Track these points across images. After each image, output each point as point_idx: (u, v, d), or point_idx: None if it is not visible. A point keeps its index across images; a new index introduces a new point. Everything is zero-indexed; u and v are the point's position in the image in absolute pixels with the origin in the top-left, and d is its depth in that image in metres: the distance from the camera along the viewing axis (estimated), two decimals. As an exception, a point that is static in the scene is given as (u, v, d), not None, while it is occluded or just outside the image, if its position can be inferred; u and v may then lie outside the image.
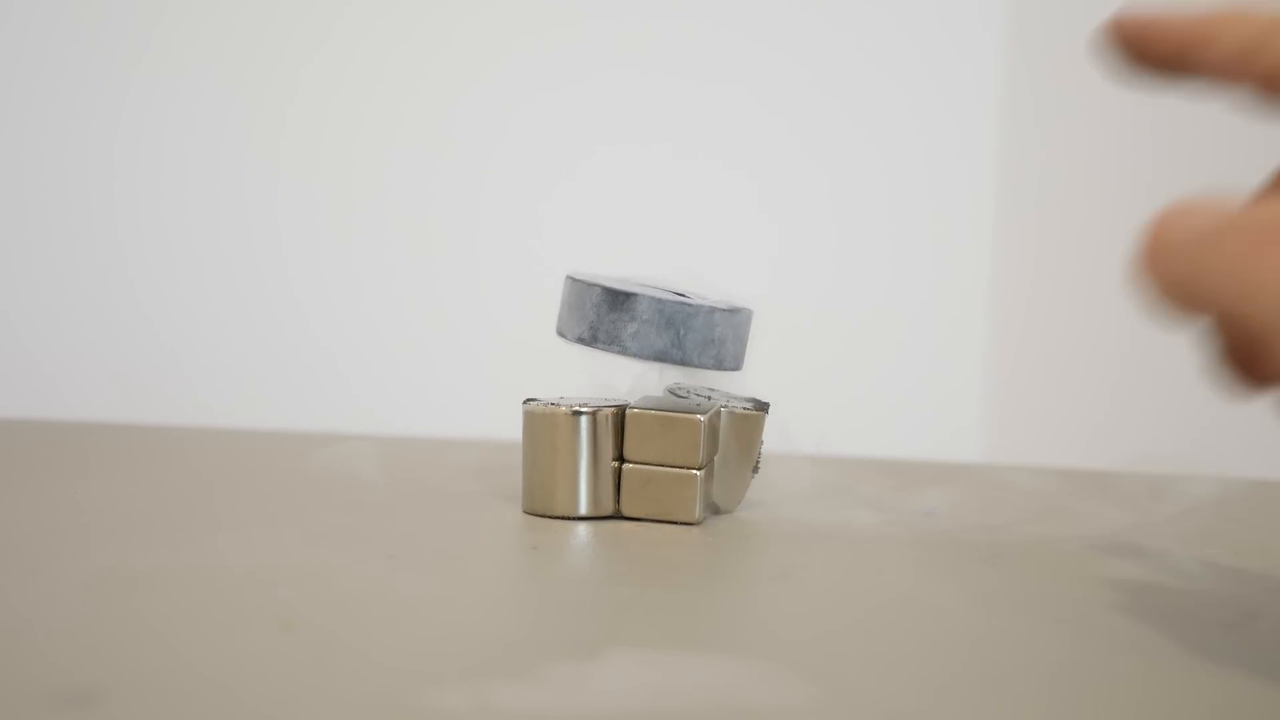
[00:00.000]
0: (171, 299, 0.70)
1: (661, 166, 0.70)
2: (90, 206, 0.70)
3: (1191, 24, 0.32)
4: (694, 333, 0.41)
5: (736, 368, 0.42)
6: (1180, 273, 0.28)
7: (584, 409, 0.40)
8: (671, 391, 0.44)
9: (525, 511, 0.42)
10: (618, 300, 0.40)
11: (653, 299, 0.40)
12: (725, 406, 0.42)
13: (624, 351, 0.40)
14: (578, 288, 0.41)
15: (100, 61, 0.70)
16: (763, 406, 0.43)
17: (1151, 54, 0.33)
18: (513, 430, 0.42)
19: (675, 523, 0.41)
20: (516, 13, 0.71)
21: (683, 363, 0.41)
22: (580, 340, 0.41)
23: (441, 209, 0.72)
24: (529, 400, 0.41)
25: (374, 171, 0.71)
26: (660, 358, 0.41)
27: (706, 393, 0.43)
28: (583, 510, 0.41)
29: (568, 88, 0.72)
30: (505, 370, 0.66)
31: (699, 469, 0.40)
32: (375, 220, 0.71)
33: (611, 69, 0.72)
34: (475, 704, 0.24)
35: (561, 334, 0.42)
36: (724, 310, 0.41)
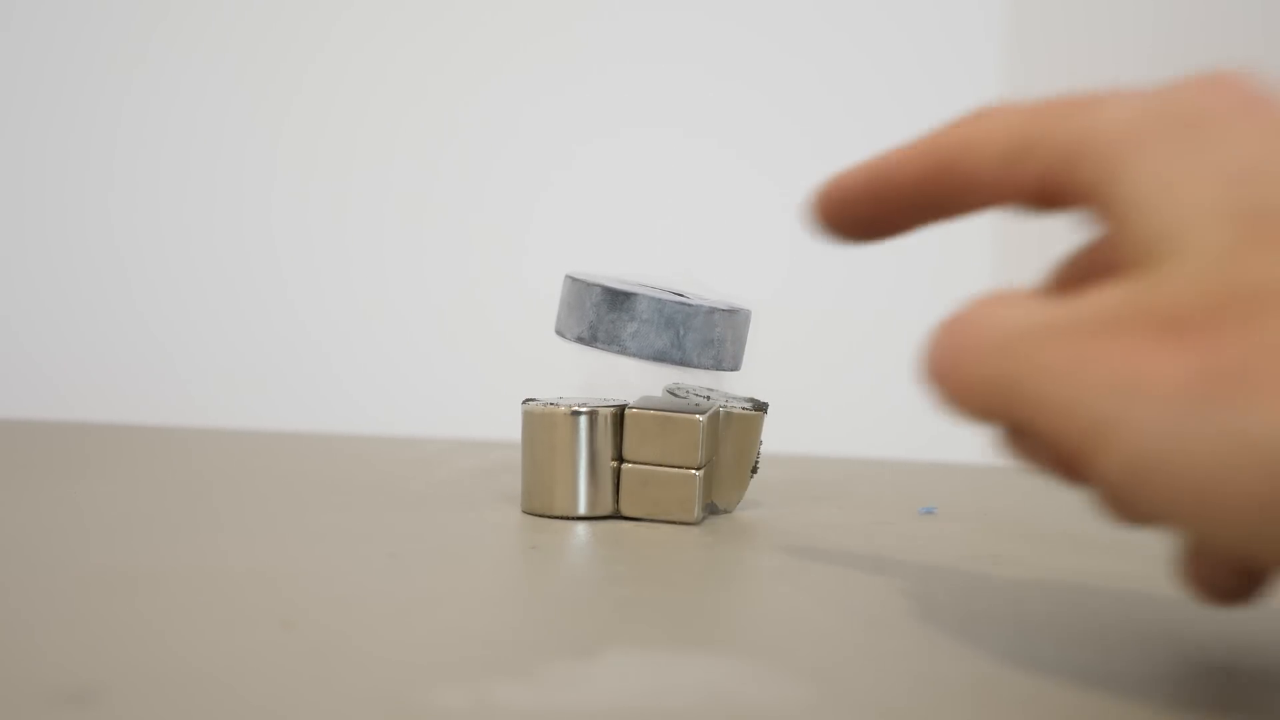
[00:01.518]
0: (170, 300, 0.70)
1: (662, 167, 0.70)
2: (90, 207, 0.70)
3: (929, 150, 0.30)
4: (693, 333, 0.41)
5: (735, 368, 0.42)
6: (985, 377, 0.26)
7: (583, 409, 0.40)
8: (670, 391, 0.44)
9: (525, 511, 0.42)
10: (617, 300, 0.40)
11: (652, 299, 0.40)
12: (724, 407, 0.42)
13: (623, 351, 0.41)
14: (577, 287, 0.41)
15: (100, 63, 0.70)
16: (762, 406, 0.43)
17: (878, 209, 0.31)
18: (512, 430, 0.42)
19: (674, 523, 0.41)
20: (516, 15, 0.71)
21: (682, 363, 0.41)
22: (579, 340, 0.41)
23: (441, 209, 0.72)
24: (528, 400, 0.42)
25: (372, 172, 0.71)
26: (660, 358, 0.41)
27: (705, 393, 0.44)
28: (582, 510, 0.41)
29: (569, 88, 0.72)
30: (504, 370, 0.66)
31: (698, 469, 0.40)
32: (375, 221, 0.71)
33: (612, 70, 0.72)
34: (475, 703, 0.24)
35: (560, 333, 0.42)
36: (723, 310, 0.41)
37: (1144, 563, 0.40)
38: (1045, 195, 0.27)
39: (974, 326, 0.26)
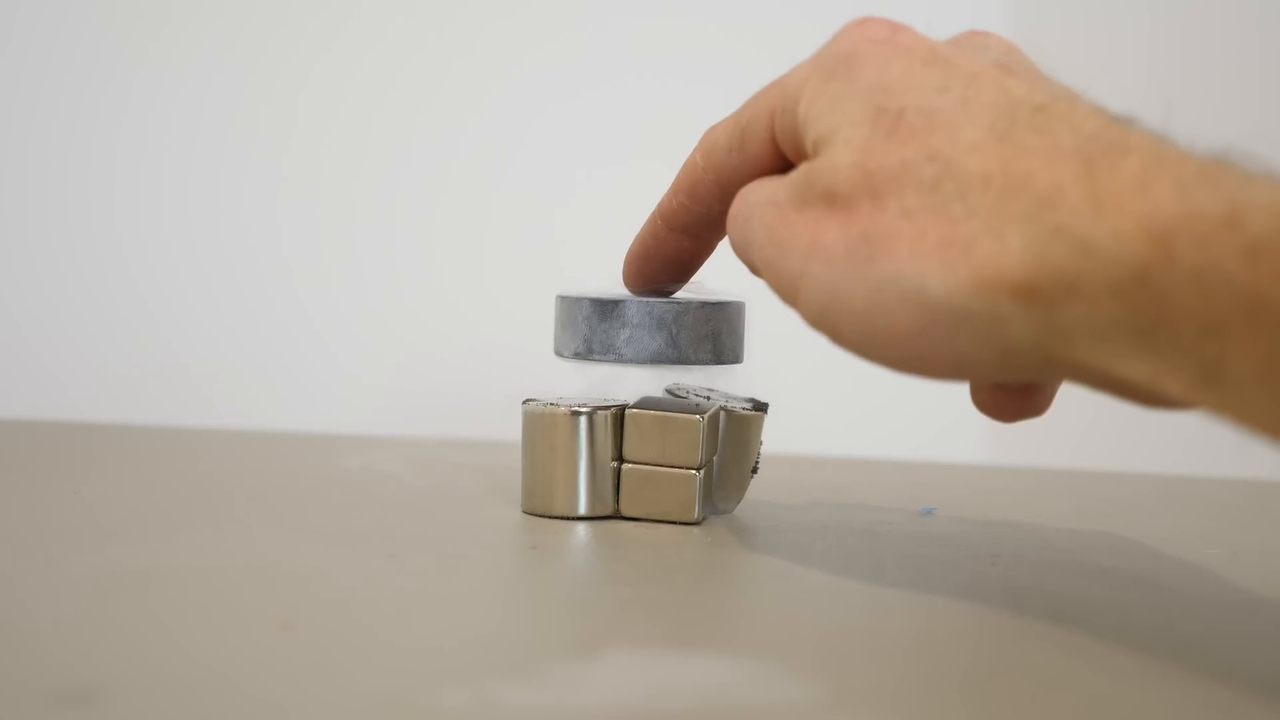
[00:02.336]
0: (174, 300, 0.70)
1: (662, 167, 0.70)
2: (90, 206, 0.70)
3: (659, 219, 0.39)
4: (687, 330, 0.41)
5: (737, 360, 0.42)
6: (737, 240, 0.34)
7: (583, 409, 0.40)
8: (670, 392, 0.44)
9: (525, 511, 0.42)
10: (607, 309, 0.41)
11: (641, 303, 0.40)
12: (724, 407, 0.42)
13: (620, 359, 0.41)
14: (567, 304, 0.42)
15: (106, 61, 0.70)
16: (761, 407, 0.43)
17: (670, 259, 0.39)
18: (512, 430, 0.42)
19: (674, 523, 0.41)
20: (522, 28, 0.71)
21: (680, 361, 0.41)
22: (577, 355, 0.41)
23: (445, 210, 0.72)
24: (528, 400, 0.41)
25: (375, 173, 0.71)
26: (657, 359, 0.41)
27: (705, 393, 0.43)
28: (582, 510, 0.41)
29: (575, 92, 0.72)
30: (505, 370, 0.66)
31: (698, 469, 0.40)
32: (374, 221, 0.71)
33: (613, 75, 0.72)
34: (475, 703, 0.24)
35: (559, 353, 0.42)
36: (714, 304, 0.41)
37: (1144, 563, 0.40)
38: (773, 161, 0.34)
39: (737, 200, 0.34)
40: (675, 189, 0.38)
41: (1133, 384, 0.26)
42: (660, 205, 0.39)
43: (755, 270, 0.33)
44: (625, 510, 0.41)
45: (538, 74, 0.72)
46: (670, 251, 0.39)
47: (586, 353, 0.41)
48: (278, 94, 0.71)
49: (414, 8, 0.71)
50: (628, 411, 0.41)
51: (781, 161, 0.34)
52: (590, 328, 0.41)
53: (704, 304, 0.41)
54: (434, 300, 0.72)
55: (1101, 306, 0.26)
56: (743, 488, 0.43)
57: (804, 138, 0.32)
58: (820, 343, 0.31)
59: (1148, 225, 0.25)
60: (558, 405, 0.41)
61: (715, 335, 0.41)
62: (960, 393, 0.35)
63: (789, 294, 0.31)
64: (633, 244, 0.40)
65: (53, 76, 0.69)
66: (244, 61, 0.70)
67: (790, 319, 0.32)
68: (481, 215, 0.72)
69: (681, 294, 0.42)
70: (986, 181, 0.27)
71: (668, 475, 0.40)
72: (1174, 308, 0.25)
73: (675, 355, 0.41)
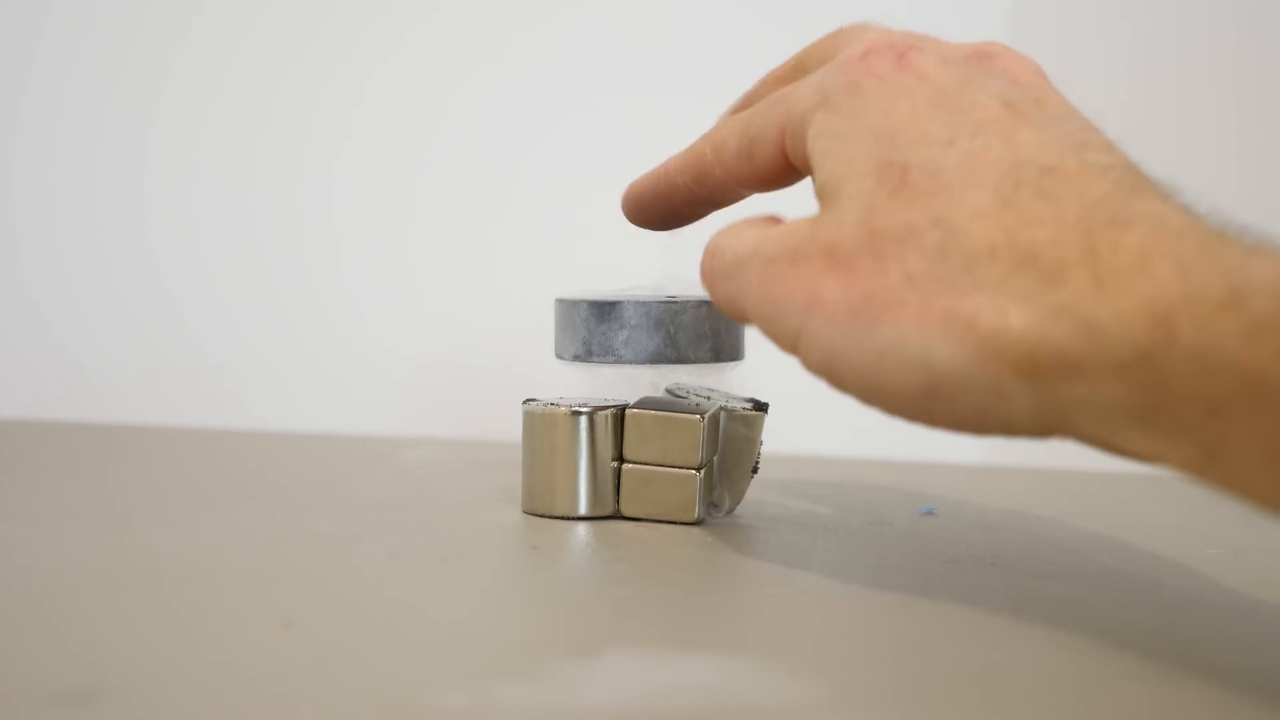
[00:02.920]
0: (172, 301, 0.70)
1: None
2: (91, 207, 0.70)
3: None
4: (684, 329, 0.41)
5: (738, 358, 0.42)
6: (723, 296, 0.34)
7: (583, 409, 0.40)
8: (670, 392, 0.44)
9: (525, 511, 0.42)
10: (604, 311, 0.41)
11: (638, 303, 0.41)
12: (724, 407, 0.42)
13: (620, 360, 0.41)
14: (564, 307, 0.42)
15: (116, 65, 0.70)
16: (762, 407, 0.43)
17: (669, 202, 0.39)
18: (512, 430, 0.42)
19: (675, 523, 0.41)
20: (536, 38, 0.71)
21: (679, 360, 0.41)
22: (577, 358, 0.41)
23: (448, 211, 0.72)
24: (528, 400, 0.42)
25: (384, 172, 0.71)
26: (656, 359, 0.41)
27: (705, 393, 0.43)
28: (582, 510, 0.41)
29: (584, 97, 0.72)
30: (505, 370, 0.66)
31: (698, 469, 0.40)
32: (376, 222, 0.71)
33: (624, 85, 0.72)
34: (475, 703, 0.24)
35: (560, 356, 0.42)
36: (711, 302, 0.41)
37: (1144, 562, 0.40)
38: (783, 173, 0.34)
39: (714, 254, 0.34)
40: (682, 168, 0.38)
41: (1138, 457, 0.27)
42: (667, 169, 0.38)
43: (747, 323, 0.33)
44: (625, 510, 0.41)
45: (549, 82, 0.72)
46: (671, 207, 0.39)
47: (586, 355, 0.41)
48: (290, 97, 0.71)
49: (429, 13, 0.71)
50: (628, 411, 0.41)
51: (790, 174, 0.35)
52: (589, 330, 0.41)
53: (701, 303, 0.41)
54: (434, 300, 0.72)
55: (1103, 386, 0.26)
56: (743, 488, 0.43)
57: (813, 171, 0.32)
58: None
59: (1149, 306, 0.25)
60: (558, 405, 0.41)
61: (714, 333, 0.41)
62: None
63: (788, 347, 0.31)
64: (638, 181, 0.40)
65: (60, 77, 0.69)
66: (258, 65, 0.70)
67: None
68: (482, 215, 0.72)
69: (678, 292, 0.42)
70: (992, 253, 0.28)
71: (668, 475, 0.40)
72: (1175, 388, 0.25)
73: (674, 354, 0.41)
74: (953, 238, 0.28)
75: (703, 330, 0.41)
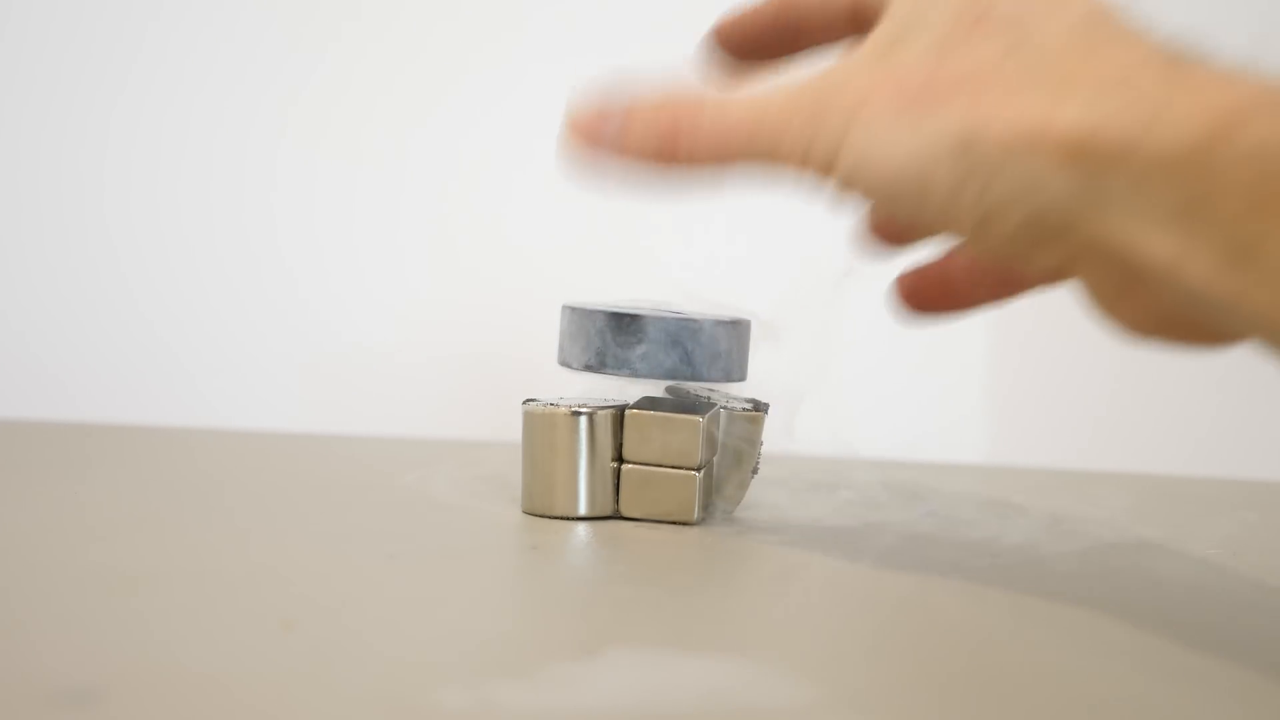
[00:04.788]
0: (172, 299, 0.70)
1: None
2: (89, 205, 0.70)
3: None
4: (701, 348, 0.41)
5: (742, 378, 0.43)
6: (731, 125, 0.32)
7: (583, 409, 0.40)
8: (671, 392, 0.44)
9: (525, 511, 0.42)
10: (623, 324, 0.41)
11: (658, 319, 0.41)
12: (724, 407, 0.42)
13: (634, 374, 0.41)
14: (578, 316, 0.42)
15: (98, 58, 0.70)
16: (762, 407, 0.43)
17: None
18: (512, 431, 0.42)
19: (674, 523, 0.41)
20: (533, 36, 0.71)
21: (694, 378, 0.41)
22: (588, 368, 0.41)
23: (446, 210, 0.72)
24: (528, 400, 0.42)
25: (378, 171, 0.71)
26: (671, 376, 0.41)
27: (705, 393, 0.44)
28: (582, 510, 0.41)
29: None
30: (506, 370, 0.66)
31: (698, 469, 0.40)
32: (373, 222, 0.71)
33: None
34: (475, 703, 0.24)
35: (566, 364, 0.42)
36: (726, 323, 0.42)
37: (1144, 563, 0.40)
38: (857, 20, 0.34)
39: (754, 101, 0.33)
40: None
41: (1152, 264, 0.27)
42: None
43: (745, 156, 0.32)
44: (625, 510, 0.41)
45: (547, 82, 0.72)
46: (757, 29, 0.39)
47: (599, 366, 0.41)
48: (277, 96, 0.71)
49: (421, 8, 0.71)
50: (628, 412, 0.41)
51: (855, 27, 0.35)
52: (604, 341, 0.41)
53: (718, 322, 0.41)
54: (434, 300, 0.72)
55: (1146, 180, 0.26)
56: (743, 488, 0.43)
57: (882, 13, 0.32)
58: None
59: (1216, 104, 0.25)
60: (558, 405, 0.41)
61: (727, 354, 0.42)
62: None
63: (818, 157, 0.30)
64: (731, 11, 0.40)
65: (46, 74, 0.69)
66: (244, 62, 0.70)
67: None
68: (482, 215, 0.72)
69: (694, 311, 0.42)
70: (1062, 55, 0.28)
71: (668, 476, 0.41)
72: (1223, 182, 0.25)
73: (689, 372, 0.41)
74: (1026, 39, 0.29)
75: (717, 350, 0.41)
